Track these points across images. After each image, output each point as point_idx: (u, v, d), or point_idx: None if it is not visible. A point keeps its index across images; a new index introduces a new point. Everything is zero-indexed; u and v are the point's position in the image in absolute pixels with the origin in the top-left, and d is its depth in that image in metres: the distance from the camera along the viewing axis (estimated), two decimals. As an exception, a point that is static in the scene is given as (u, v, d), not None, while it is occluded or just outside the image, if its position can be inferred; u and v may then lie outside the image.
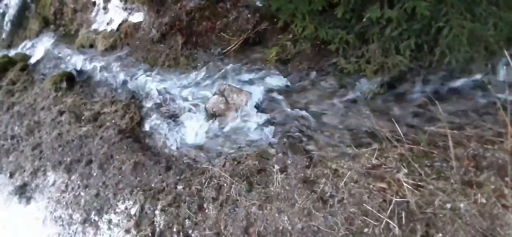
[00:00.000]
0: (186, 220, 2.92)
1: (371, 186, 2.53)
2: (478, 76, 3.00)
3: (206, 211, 2.93)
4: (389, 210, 2.33)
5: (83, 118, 4.34)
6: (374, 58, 3.19)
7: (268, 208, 2.70)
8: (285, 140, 3.24)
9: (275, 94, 3.68)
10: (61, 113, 4.50)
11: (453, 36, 2.78)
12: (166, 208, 3.05)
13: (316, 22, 3.42)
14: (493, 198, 2.20)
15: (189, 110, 3.97)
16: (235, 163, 3.17)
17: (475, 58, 2.94)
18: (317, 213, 2.52)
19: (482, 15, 2.79)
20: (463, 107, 2.90)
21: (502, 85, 2.66)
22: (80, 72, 5.23)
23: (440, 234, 2.17)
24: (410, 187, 2.38)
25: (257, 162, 3.08)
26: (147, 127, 4.06)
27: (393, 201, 2.36)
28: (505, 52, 2.32)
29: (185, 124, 3.87)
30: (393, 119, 2.83)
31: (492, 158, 2.42)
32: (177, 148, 3.68)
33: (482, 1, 2.75)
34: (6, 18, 7.07)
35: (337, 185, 2.63)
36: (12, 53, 6.55)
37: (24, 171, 4.06)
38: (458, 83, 3.08)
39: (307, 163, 2.92)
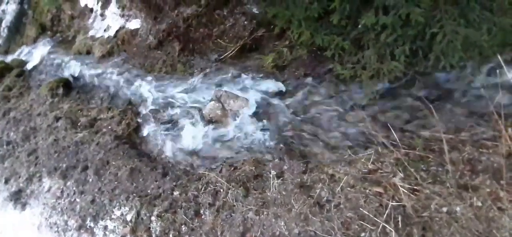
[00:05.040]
0: (183, 226, 2.90)
1: (367, 190, 2.53)
2: (472, 81, 3.04)
3: (203, 216, 2.91)
4: (385, 214, 2.33)
5: (79, 124, 4.32)
6: (370, 64, 3.21)
7: (265, 213, 2.69)
8: (281, 145, 3.24)
9: (271, 100, 3.69)
10: (57, 119, 4.48)
11: (447, 41, 2.81)
12: (163, 214, 3.03)
13: (312, 28, 3.46)
14: (489, 201, 2.21)
15: (186, 116, 3.97)
16: (232, 168, 3.17)
17: (470, 63, 2.97)
18: (314, 218, 2.51)
19: (476, 21, 2.83)
20: (458, 111, 2.92)
21: (496, 89, 2.68)
22: (77, 78, 5.23)
23: (436, 238, 2.18)
24: (406, 191, 2.38)
25: (253, 167, 3.07)
26: (143, 133, 4.05)
27: (390, 205, 2.36)
28: (499, 57, 2.35)
29: (182, 130, 3.86)
30: (388, 124, 2.85)
31: (487, 162, 2.43)
32: (173, 154, 3.67)
33: (476, 7, 2.79)
34: (3, 24, 7.06)
35: (333, 190, 2.64)
36: (8, 59, 6.52)
37: (19, 177, 4.03)
38: (452, 87, 3.11)
39: (303, 168, 2.92)
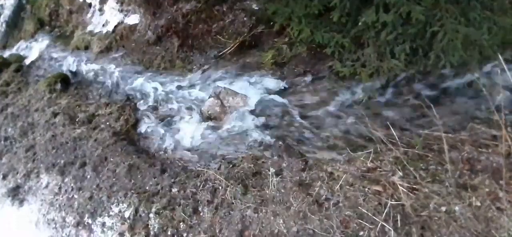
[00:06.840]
0: (181, 223, 2.90)
1: (366, 189, 2.53)
2: (472, 80, 3.03)
3: (201, 214, 2.91)
4: (384, 213, 2.33)
5: (77, 120, 4.30)
6: (370, 61, 3.20)
7: (264, 211, 2.69)
8: (280, 143, 3.23)
9: (270, 97, 3.68)
10: (55, 114, 4.46)
11: (448, 40, 2.80)
12: (161, 211, 3.03)
13: (312, 25, 3.44)
14: (488, 201, 2.21)
15: (185, 113, 3.95)
16: (230, 166, 3.16)
17: (470, 62, 2.96)
18: (313, 216, 2.51)
19: (476, 20, 2.82)
20: (457, 110, 2.92)
21: (496, 88, 2.68)
22: (75, 73, 5.20)
23: (435, 237, 2.18)
24: (405, 190, 2.38)
25: (252, 165, 3.07)
26: (142, 129, 4.03)
27: (389, 204, 2.36)
28: (499, 56, 2.33)
29: (180, 126, 3.85)
30: (388, 123, 2.84)
31: (486, 161, 2.43)
32: (172, 150, 3.66)
33: (477, 6, 2.78)
34: (1, 19, 7.01)
35: (332, 188, 2.63)
36: (6, 54, 6.48)
37: (17, 173, 4.01)
38: (452, 86, 3.10)
39: (302, 166, 2.92)
